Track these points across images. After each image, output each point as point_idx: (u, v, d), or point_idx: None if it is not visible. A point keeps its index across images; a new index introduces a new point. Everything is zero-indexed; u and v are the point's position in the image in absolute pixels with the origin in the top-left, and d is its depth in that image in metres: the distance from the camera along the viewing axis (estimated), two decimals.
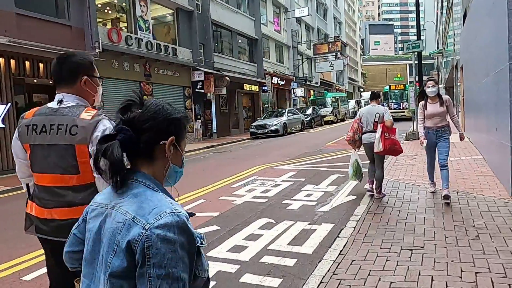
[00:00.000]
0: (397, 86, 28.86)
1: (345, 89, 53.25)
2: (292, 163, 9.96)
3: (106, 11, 17.51)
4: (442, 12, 34.13)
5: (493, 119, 6.33)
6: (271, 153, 12.84)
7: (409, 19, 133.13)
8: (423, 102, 5.41)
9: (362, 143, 5.91)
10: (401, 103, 26.53)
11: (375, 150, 5.54)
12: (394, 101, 27.42)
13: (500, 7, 5.17)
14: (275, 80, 29.90)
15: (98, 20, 17.47)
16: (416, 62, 12.85)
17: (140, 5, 16.70)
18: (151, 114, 1.04)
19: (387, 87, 28.84)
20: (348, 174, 6.44)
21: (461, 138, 5.59)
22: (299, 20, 36.48)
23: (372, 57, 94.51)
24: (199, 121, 20.40)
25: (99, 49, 13.85)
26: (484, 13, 7.12)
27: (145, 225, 0.92)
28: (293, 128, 22.14)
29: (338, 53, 37.21)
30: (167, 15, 19.95)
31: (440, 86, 26.14)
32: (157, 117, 1.05)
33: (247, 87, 25.58)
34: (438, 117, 5.25)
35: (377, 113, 5.70)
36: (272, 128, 20.03)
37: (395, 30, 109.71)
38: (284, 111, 22.62)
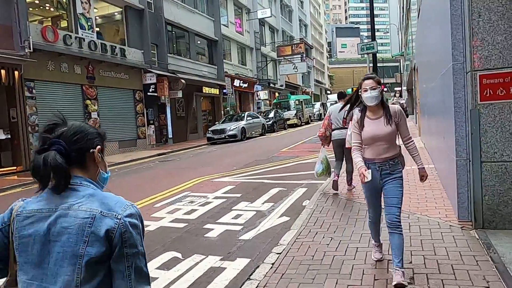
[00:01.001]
0: None
1: (311, 92, 53.16)
2: (236, 174, 9.08)
3: (43, 7, 16.08)
4: (403, 15, 34.47)
5: (441, 126, 5.69)
6: (219, 161, 11.93)
7: (375, 23, 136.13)
8: (358, 115, 3.24)
9: (332, 140, 6.26)
10: None
11: (347, 145, 5.35)
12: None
13: (444, 7, 4.50)
14: (237, 82, 29.04)
15: (36, 17, 16.08)
16: (371, 64, 12.31)
17: (82, 2, 15.39)
18: (78, 128, 1.23)
19: (350, 90, 28.56)
20: (315, 172, 6.53)
21: (422, 177, 3.31)
22: (262, 22, 35.86)
23: (339, 60, 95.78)
24: (152, 126, 19.20)
25: (29, 49, 12.50)
26: (431, 14, 6.52)
27: (117, 216, 1.14)
28: (253, 132, 21.31)
29: (302, 55, 36.83)
30: (116, 13, 18.69)
31: (402, 88, 25.99)
32: (84, 130, 1.24)
33: (206, 90, 24.56)
34: (383, 143, 3.12)
35: (345, 110, 5.72)
36: (230, 133, 19.12)
37: (361, 33, 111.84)
38: (243, 115, 21.75)
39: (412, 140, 3.28)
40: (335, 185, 6.07)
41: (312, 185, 7.25)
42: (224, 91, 25.86)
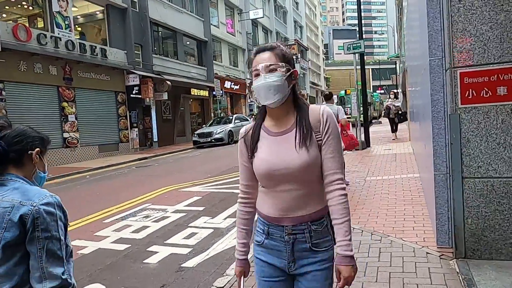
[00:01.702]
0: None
1: (306, 94, 52.53)
2: (208, 183, 8.40)
3: (17, 6, 15.41)
4: (398, 16, 33.90)
5: (423, 132, 5.02)
6: (197, 167, 11.25)
7: (372, 25, 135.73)
8: (251, 131, 1.59)
9: None
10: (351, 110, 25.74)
11: None
12: (349, 105, 26.52)
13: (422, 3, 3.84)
14: (228, 84, 28.39)
15: (10, 16, 15.42)
16: (359, 66, 11.63)
17: (58, 0, 14.70)
18: (20, 131, 1.37)
19: (342, 92, 27.94)
20: None
21: (339, 275, 1.43)
22: (255, 23, 35.25)
23: (336, 62, 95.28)
24: (136, 129, 18.50)
25: None
26: (415, 4, 5.86)
27: (33, 204, 1.26)
28: None
29: (296, 57, 36.17)
30: (97, 12, 18.01)
31: (399, 90, 25.27)
32: (25, 134, 1.38)
33: (194, 91, 23.90)
34: (294, 185, 1.47)
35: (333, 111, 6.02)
36: (216, 136, 18.43)
37: (358, 35, 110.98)
38: (232, 117, 21.07)
39: (342, 183, 1.47)
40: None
41: None
42: (214, 93, 25.20)
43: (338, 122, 5.88)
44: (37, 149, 1.39)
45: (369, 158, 9.52)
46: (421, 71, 4.63)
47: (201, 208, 6.13)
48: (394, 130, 13.00)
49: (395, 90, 13.81)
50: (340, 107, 6.44)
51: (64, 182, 10.62)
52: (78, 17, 18.19)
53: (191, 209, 6.10)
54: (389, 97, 12.98)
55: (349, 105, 26.40)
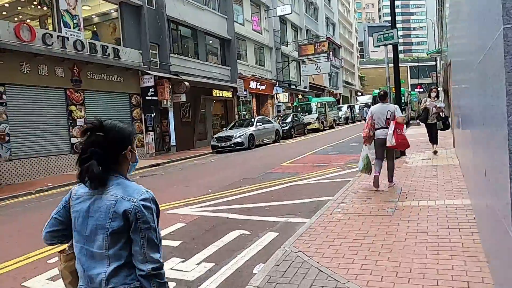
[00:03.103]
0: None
1: (339, 93, 50.29)
2: (204, 201, 7.02)
3: (23, 5, 14.81)
4: (438, 8, 31.21)
5: (480, 149, 3.34)
6: (202, 178, 9.92)
7: (411, 21, 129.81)
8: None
9: (374, 138, 6.42)
10: None
11: (388, 144, 6.13)
12: None
13: None
14: (253, 84, 27.05)
15: (21, 17, 14.84)
16: (391, 65, 9.82)
17: None
18: (112, 135, 1.55)
19: (377, 91, 25.78)
20: (358, 169, 6.83)
21: None
22: (284, 20, 33.69)
23: (371, 60, 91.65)
24: (151, 133, 17.51)
25: None
26: None
27: (133, 200, 1.49)
28: (264, 139, 19.19)
29: (328, 54, 34.18)
30: (112, 11, 17.20)
31: (439, 88, 22.60)
32: (118, 137, 1.57)
33: (216, 92, 22.70)
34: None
35: (389, 110, 6.30)
36: (236, 140, 17.09)
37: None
38: (254, 120, 19.66)
39: None
40: (376, 182, 6.24)
41: (289, 226, 5.08)
42: (238, 93, 23.92)
43: (394, 119, 6.16)
44: (129, 147, 1.60)
45: (404, 171, 7.79)
46: (477, 60, 2.97)
47: (176, 244, 4.76)
48: (433, 140, 9.62)
49: (437, 88, 11.20)
50: (397, 106, 6.56)
51: (55, 194, 9.63)
52: (93, 16, 17.50)
53: (164, 245, 4.71)
54: (429, 96, 9.74)
55: None
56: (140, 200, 1.49)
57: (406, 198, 5.59)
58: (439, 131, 9.55)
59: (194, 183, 9.18)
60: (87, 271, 1.52)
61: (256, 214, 5.80)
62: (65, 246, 1.71)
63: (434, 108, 9.23)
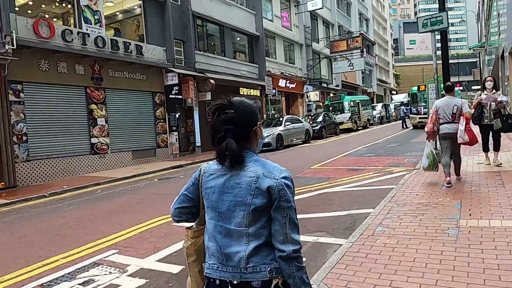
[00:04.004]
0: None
1: (373, 92, 48.22)
2: None
3: (51, 4, 14.48)
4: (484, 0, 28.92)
5: None
6: None
7: (449, 17, 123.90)
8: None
9: (439, 133, 6.12)
10: (427, 108, 21.61)
11: (460, 141, 5.84)
12: (424, 104, 22.62)
13: None
14: (282, 82, 25.97)
15: (45, 15, 14.52)
16: (439, 54, 8.48)
17: None
18: (243, 112, 1.49)
19: (415, 88, 24.04)
20: (422, 166, 6.50)
21: None
22: (315, 16, 32.39)
23: (407, 57, 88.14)
24: (175, 133, 16.82)
25: (12, 45, 10.62)
26: None
27: (275, 177, 1.43)
28: (293, 139, 18.11)
29: (362, 51, 32.47)
30: (135, 7, 16.67)
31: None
32: (248, 113, 1.51)
33: (244, 91, 21.80)
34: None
35: (455, 105, 5.97)
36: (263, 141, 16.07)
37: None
38: (282, 119, 18.60)
39: None
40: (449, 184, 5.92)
41: (319, 249, 4.03)
42: (266, 92, 22.93)
43: (462, 115, 5.87)
44: (259, 122, 1.56)
45: (459, 180, 6.52)
46: None
47: (176, 269, 3.82)
48: (495, 146, 7.36)
49: (493, 77, 8.40)
50: (464, 100, 6.23)
51: (68, 198, 9.00)
52: (117, 13, 17.05)
53: (161, 270, 3.81)
54: (483, 88, 7.69)
55: (423, 103, 22.58)
56: (282, 178, 1.44)
57: (470, 215, 4.39)
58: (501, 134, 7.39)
59: None
60: (223, 249, 1.47)
61: None
62: (192, 224, 1.67)
63: (492, 103, 7.05)
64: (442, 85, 8.94)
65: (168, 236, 4.91)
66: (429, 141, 6.32)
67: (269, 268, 1.41)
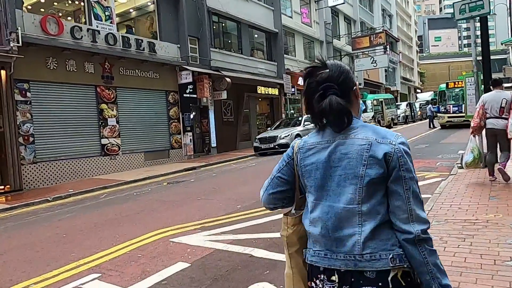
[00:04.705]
0: (457, 83, 22.19)
1: (397, 90, 46.56)
2: (224, 225, 5.30)
3: (63, 2, 14.09)
4: None
5: None
6: (234, 188, 8.23)
7: (490, 1, 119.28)
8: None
9: (486, 128, 5.90)
10: (464, 105, 20.15)
11: (510, 136, 5.50)
12: (453, 102, 21.26)
13: None
14: (302, 81, 25.00)
15: (59, 13, 14.14)
16: (478, 40, 7.47)
17: None
18: (339, 70, 1.30)
19: (443, 85, 22.61)
20: (464, 163, 6.23)
21: None
22: (336, 11, 31.29)
23: (432, 55, 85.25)
24: (189, 134, 16.19)
25: (17, 43, 10.19)
26: None
27: (392, 142, 1.21)
28: None
29: (386, 47, 31.11)
30: (149, 3, 16.13)
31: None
32: (344, 71, 1.31)
33: (261, 90, 21.00)
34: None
35: (504, 98, 5.72)
36: (280, 141, 15.25)
37: (459, 24, 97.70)
38: (301, 119, 17.71)
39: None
40: (505, 175, 5.63)
41: None
42: (284, 90, 22.07)
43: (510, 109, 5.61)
44: (357, 82, 1.38)
45: (504, 186, 5.54)
46: None
47: None
48: None
49: None
50: None
51: (70, 203, 8.44)
52: (130, 10, 16.58)
53: None
54: None
55: (451, 101, 21.21)
56: (399, 143, 1.22)
57: None
58: None
59: (222, 196, 7.51)
60: (333, 232, 1.23)
61: None
62: (289, 209, 1.46)
63: None
64: (481, 78, 7.92)
65: (160, 256, 4.17)
66: (474, 136, 6.08)
67: (391, 256, 1.18)
